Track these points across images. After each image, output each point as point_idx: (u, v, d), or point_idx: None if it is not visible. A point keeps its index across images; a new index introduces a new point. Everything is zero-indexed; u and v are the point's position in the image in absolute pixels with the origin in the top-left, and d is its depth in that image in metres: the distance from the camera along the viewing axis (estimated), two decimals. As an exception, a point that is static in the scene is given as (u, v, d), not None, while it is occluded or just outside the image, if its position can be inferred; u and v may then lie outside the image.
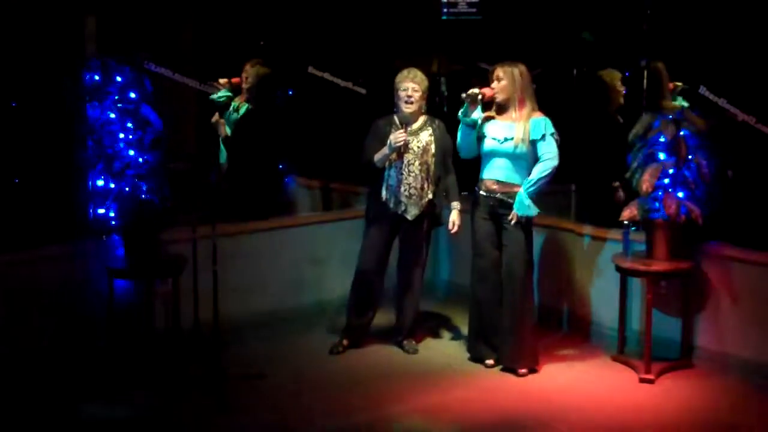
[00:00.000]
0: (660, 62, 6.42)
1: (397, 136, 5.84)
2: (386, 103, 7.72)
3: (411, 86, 5.92)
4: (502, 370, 5.79)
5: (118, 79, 5.70)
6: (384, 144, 5.91)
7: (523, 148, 5.61)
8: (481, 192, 5.76)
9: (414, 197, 5.94)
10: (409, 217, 5.96)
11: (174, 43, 6.98)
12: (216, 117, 6.91)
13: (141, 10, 6.45)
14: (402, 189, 5.92)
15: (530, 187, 5.59)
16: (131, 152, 5.65)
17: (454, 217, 6.06)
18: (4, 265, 5.61)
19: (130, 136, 5.67)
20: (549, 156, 5.60)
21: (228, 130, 6.97)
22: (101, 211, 5.73)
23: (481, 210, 5.77)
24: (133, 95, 5.70)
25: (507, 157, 5.65)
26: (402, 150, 5.89)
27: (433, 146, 5.98)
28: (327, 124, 7.83)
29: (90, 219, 5.89)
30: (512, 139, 5.62)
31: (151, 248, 5.75)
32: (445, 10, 7.74)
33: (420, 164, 5.94)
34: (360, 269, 6.11)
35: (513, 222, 5.62)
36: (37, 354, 5.62)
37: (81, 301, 5.81)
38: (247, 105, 7.01)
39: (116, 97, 5.68)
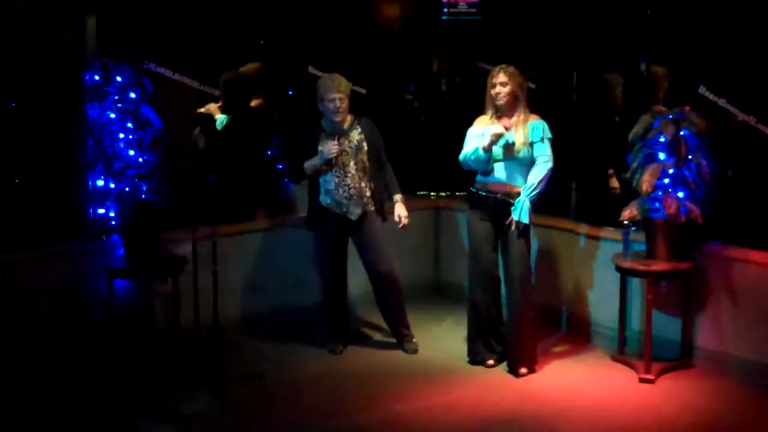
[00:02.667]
0: (660, 67, 6.41)
1: (330, 148, 5.82)
2: (386, 102, 7.77)
3: (337, 96, 5.85)
4: (509, 371, 5.77)
5: (118, 79, 5.71)
6: (313, 152, 5.89)
7: (525, 151, 5.61)
8: (480, 192, 5.75)
9: (354, 197, 5.93)
10: (352, 217, 5.95)
11: (174, 43, 6.97)
12: (197, 130, 6.85)
13: (141, 10, 6.45)
14: (341, 191, 5.91)
15: (530, 192, 5.58)
16: (131, 152, 5.66)
17: (399, 210, 6.08)
18: (4, 265, 5.61)
19: (130, 136, 5.68)
20: (544, 159, 5.61)
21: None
22: (101, 211, 5.74)
23: (479, 211, 5.76)
24: (133, 95, 5.70)
25: (509, 161, 5.64)
26: (333, 161, 5.87)
27: (365, 144, 5.98)
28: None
29: (90, 219, 5.90)
30: (514, 144, 5.61)
31: (151, 248, 5.76)
32: (445, 10, 7.75)
33: (355, 163, 5.93)
34: (325, 278, 6.17)
35: (512, 227, 5.62)
36: (37, 354, 5.62)
37: (81, 301, 5.81)
38: (227, 116, 6.98)
39: (116, 97, 5.69)
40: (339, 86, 5.88)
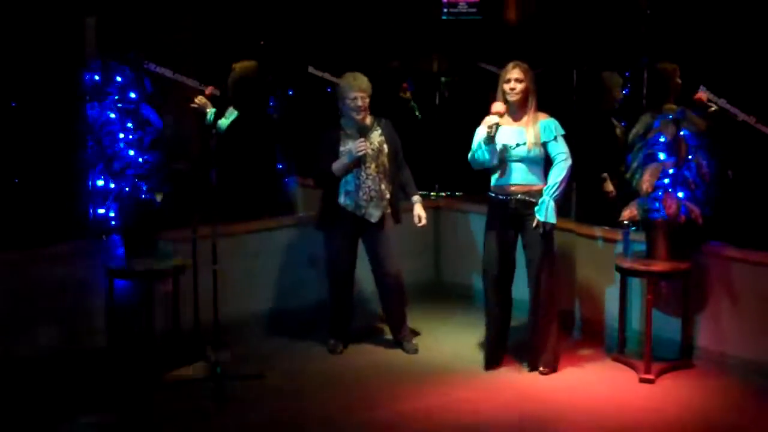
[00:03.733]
0: (671, 64, 6.39)
1: (358, 146, 5.81)
2: (385, 102, 7.76)
3: (359, 95, 5.87)
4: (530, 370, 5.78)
5: (118, 79, 5.70)
6: (335, 153, 5.89)
7: (536, 150, 5.58)
8: (499, 196, 5.68)
9: (375, 199, 5.92)
10: (373, 220, 5.93)
11: (174, 43, 6.97)
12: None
13: (141, 10, 6.45)
14: (361, 193, 5.89)
15: (554, 192, 5.54)
16: (131, 152, 5.66)
17: (418, 211, 6.09)
18: (4, 265, 5.61)
19: (130, 136, 5.68)
20: (563, 157, 5.58)
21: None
22: (101, 211, 5.74)
23: (497, 215, 5.71)
24: (133, 95, 5.70)
25: (521, 161, 5.61)
26: (362, 159, 5.87)
27: (385, 146, 5.98)
28: (327, 123, 7.82)
29: (90, 219, 5.90)
30: (524, 144, 5.58)
31: (151, 248, 5.75)
32: (445, 10, 7.75)
33: (376, 166, 5.92)
34: (333, 278, 6.13)
35: (540, 231, 5.55)
36: (36, 353, 5.62)
37: (81, 301, 5.81)
38: (236, 112, 6.97)
39: (116, 97, 5.69)
40: (361, 85, 5.89)
